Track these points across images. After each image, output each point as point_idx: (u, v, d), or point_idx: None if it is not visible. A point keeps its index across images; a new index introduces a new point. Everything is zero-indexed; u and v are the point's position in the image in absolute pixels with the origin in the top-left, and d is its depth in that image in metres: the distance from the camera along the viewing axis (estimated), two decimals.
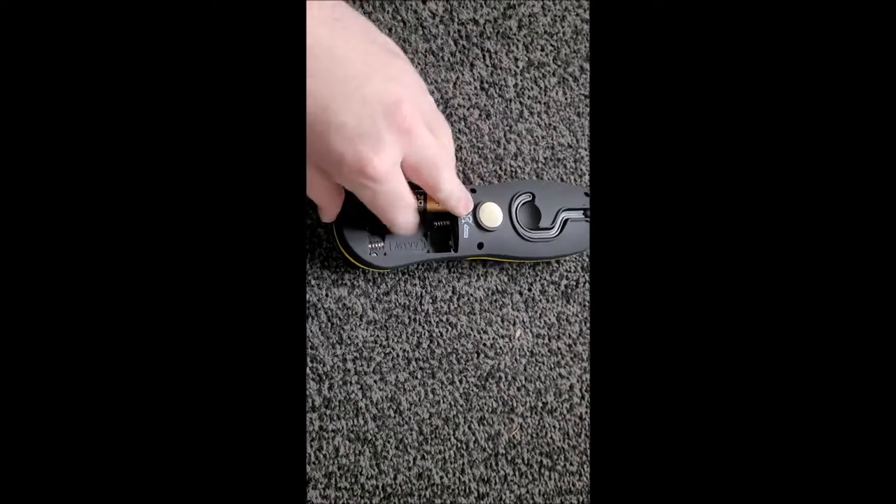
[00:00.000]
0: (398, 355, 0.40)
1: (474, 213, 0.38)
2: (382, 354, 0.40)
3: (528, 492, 0.41)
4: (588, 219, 0.40)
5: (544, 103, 0.43)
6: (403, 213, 0.34)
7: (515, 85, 0.43)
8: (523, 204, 0.39)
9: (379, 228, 0.37)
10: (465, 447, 0.40)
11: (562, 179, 0.43)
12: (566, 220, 0.40)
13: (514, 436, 0.41)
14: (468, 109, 0.42)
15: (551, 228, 0.39)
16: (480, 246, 0.38)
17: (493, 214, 0.38)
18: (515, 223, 0.39)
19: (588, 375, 0.43)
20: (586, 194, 0.41)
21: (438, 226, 0.39)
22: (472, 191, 0.38)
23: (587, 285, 0.43)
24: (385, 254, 0.37)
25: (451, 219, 0.38)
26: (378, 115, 0.29)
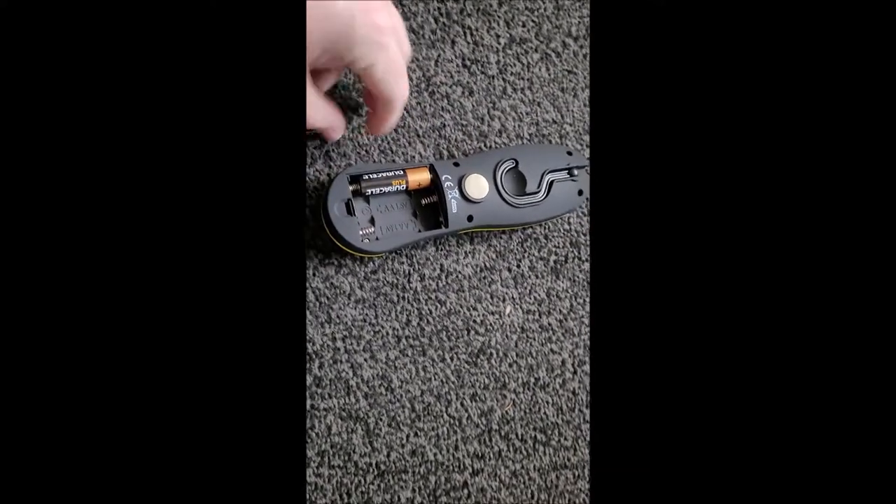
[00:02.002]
0: (388, 333, 0.40)
1: (460, 186, 0.38)
2: (372, 333, 0.40)
3: (523, 467, 0.41)
4: (573, 178, 0.40)
5: (527, 79, 0.43)
6: (405, 77, 0.34)
7: (498, 61, 0.43)
8: (508, 171, 0.39)
9: (367, 213, 0.37)
10: (458, 423, 0.40)
11: None
12: (552, 182, 0.40)
13: (506, 411, 0.41)
14: (451, 87, 0.42)
15: (538, 192, 0.39)
16: (470, 218, 0.38)
17: (479, 186, 0.38)
18: (502, 191, 0.38)
19: (580, 350, 0.43)
20: (569, 153, 0.41)
21: (426, 203, 0.39)
22: (456, 164, 0.38)
23: (576, 261, 0.43)
24: (377, 238, 0.37)
25: (439, 195, 0.38)
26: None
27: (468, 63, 0.42)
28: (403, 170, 0.37)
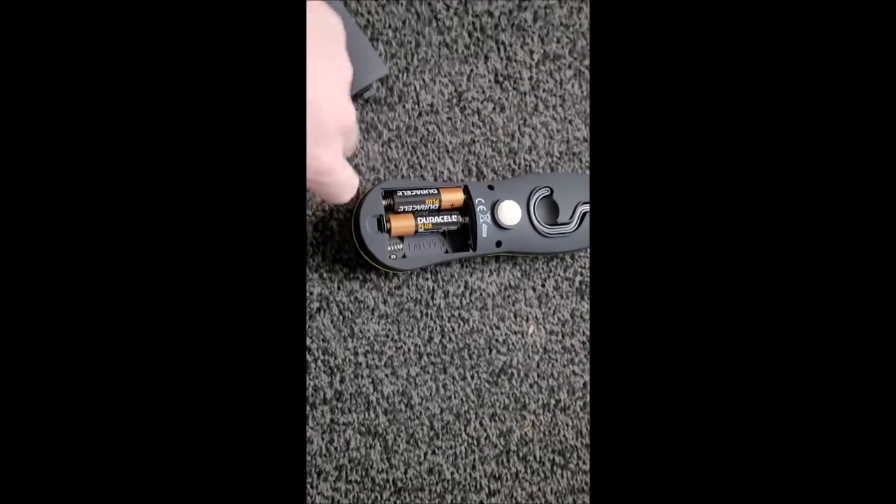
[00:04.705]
0: (410, 350, 0.40)
1: (493, 211, 0.37)
2: (394, 348, 0.39)
3: (539, 490, 0.41)
4: None
5: (560, 96, 0.43)
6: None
7: (530, 78, 0.42)
8: (542, 199, 0.39)
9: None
10: (476, 443, 0.40)
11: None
12: (584, 214, 0.39)
13: (526, 433, 0.41)
14: (482, 102, 0.42)
15: (569, 223, 0.39)
16: (499, 244, 0.38)
17: (511, 213, 0.38)
18: (534, 220, 0.38)
19: None
20: None
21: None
22: (490, 187, 0.38)
23: None
24: (404, 256, 0.37)
25: (470, 217, 0.37)
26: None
27: (500, 79, 0.42)
28: (438, 189, 0.37)
